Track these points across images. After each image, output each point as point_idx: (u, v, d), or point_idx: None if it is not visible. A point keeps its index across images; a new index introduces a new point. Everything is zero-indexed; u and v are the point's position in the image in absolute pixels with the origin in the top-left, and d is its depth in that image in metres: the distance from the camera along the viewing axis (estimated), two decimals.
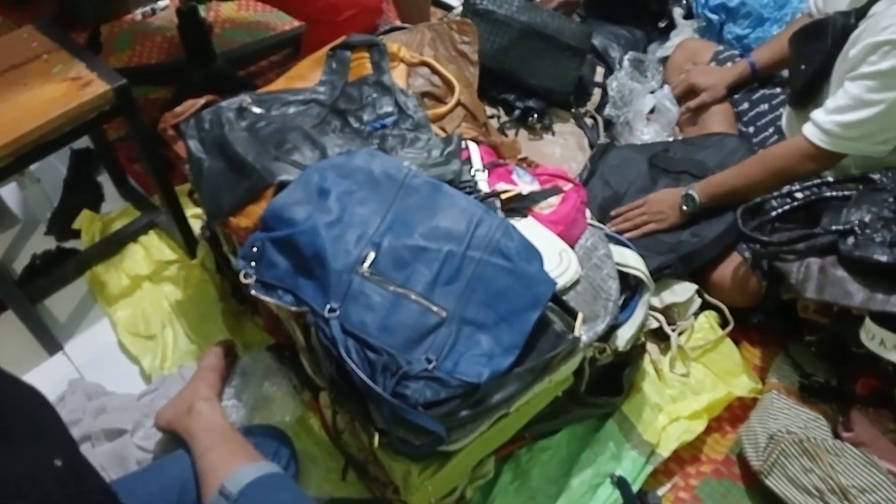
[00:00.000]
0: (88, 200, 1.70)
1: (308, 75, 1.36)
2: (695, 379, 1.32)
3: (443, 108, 1.31)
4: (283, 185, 1.12)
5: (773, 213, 1.27)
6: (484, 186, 1.18)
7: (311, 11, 1.41)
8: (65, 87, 1.22)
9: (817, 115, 1.18)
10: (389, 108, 1.27)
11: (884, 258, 1.06)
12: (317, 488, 1.20)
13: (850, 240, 1.12)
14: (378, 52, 1.35)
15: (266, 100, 1.30)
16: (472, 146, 1.25)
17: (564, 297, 1.08)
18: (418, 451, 1.01)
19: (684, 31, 1.91)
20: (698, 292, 1.36)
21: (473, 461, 1.11)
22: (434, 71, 1.36)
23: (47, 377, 1.37)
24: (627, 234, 1.36)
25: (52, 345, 1.44)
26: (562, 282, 1.09)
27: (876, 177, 1.20)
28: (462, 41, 1.43)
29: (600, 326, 1.09)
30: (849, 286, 1.10)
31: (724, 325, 1.38)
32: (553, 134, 1.66)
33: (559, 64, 1.63)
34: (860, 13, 1.20)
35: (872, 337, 1.08)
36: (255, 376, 1.30)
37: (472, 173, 1.20)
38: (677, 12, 1.97)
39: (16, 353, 1.43)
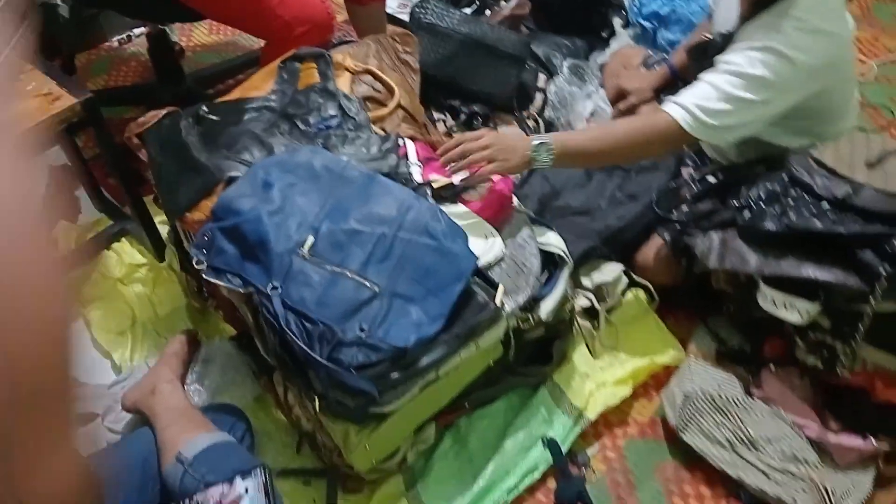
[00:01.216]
0: (65, 213, 1.82)
1: (261, 86, 1.49)
2: (623, 351, 1.43)
3: (383, 111, 1.43)
4: (232, 181, 1.25)
5: (688, 196, 1.40)
6: (418, 177, 1.30)
7: (267, 29, 1.54)
8: (38, 102, 1.34)
9: (685, 99, 1.23)
10: (333, 112, 1.40)
11: (772, 227, 1.18)
12: (272, 461, 1.30)
13: (746, 213, 1.24)
14: (324, 62, 1.48)
15: (222, 108, 1.42)
16: (409, 143, 1.37)
17: (489, 273, 1.20)
18: (354, 413, 1.12)
19: (622, 38, 2.05)
20: (625, 272, 1.47)
21: (410, 425, 1.22)
22: (376, 78, 1.49)
23: None
24: (465, 175, 1.28)
25: None
26: (486, 259, 1.21)
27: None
28: (404, 51, 1.56)
29: (522, 298, 1.20)
30: (746, 254, 1.22)
31: (651, 301, 1.49)
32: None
33: (499, 71, 1.76)
34: (728, 38, 1.27)
35: (766, 298, 1.19)
36: (215, 362, 1.41)
37: (409, 166, 1.32)
38: (617, 22, 2.11)
39: None
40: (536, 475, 1.27)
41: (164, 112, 1.47)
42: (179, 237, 1.50)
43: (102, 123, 1.41)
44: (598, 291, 1.47)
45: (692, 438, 1.27)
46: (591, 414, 1.31)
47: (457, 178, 1.33)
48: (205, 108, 1.41)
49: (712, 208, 1.32)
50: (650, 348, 1.43)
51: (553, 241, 1.29)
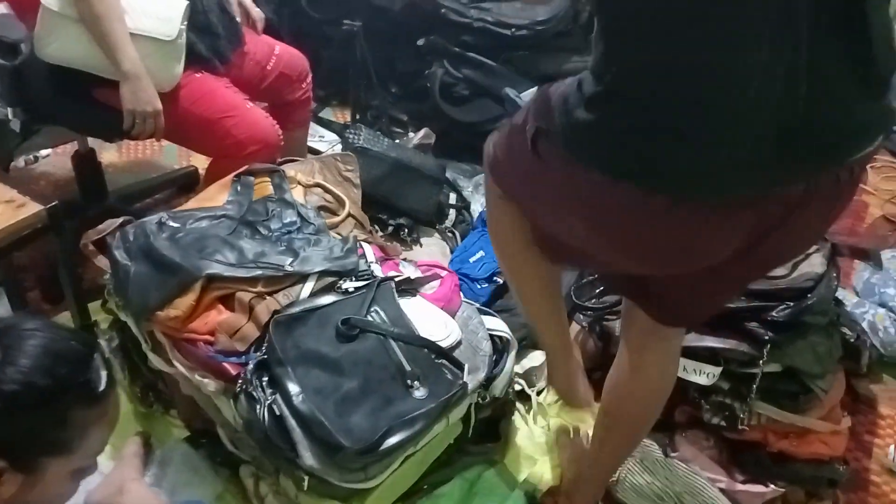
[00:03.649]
0: None
1: (216, 197, 1.60)
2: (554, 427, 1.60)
3: (337, 218, 1.59)
4: (210, 278, 1.33)
5: (600, 286, 1.65)
6: (379, 273, 1.45)
7: (219, 147, 1.67)
8: (1, 209, 1.37)
9: None
10: (293, 218, 1.53)
11: None
12: None
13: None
14: (279, 176, 1.62)
15: (181, 216, 1.51)
16: (366, 245, 1.52)
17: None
18: (341, 490, 1.19)
19: None
20: None
21: (388, 501, 1.29)
22: (326, 190, 1.65)
23: None
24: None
25: None
26: (448, 342, 1.36)
27: None
28: (346, 169, 1.74)
29: (481, 374, 1.35)
30: None
31: None
32: (421, 246, 1.99)
33: (422, 190, 1.99)
34: None
35: (680, 368, 1.43)
36: (172, 463, 1.40)
37: (368, 264, 1.47)
38: None
39: None
40: None
41: (119, 221, 1.54)
42: (125, 342, 1.53)
43: (65, 230, 1.45)
44: (528, 376, 1.66)
45: (627, 496, 1.44)
46: (542, 488, 1.45)
47: (411, 273, 1.50)
48: (165, 215, 1.50)
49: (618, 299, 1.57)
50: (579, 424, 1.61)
51: (499, 325, 1.48)
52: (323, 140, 2.58)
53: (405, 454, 1.24)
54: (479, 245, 1.91)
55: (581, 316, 1.68)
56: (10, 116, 1.59)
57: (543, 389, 1.66)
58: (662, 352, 1.23)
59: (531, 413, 1.60)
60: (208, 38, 1.68)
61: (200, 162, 2.41)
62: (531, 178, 1.06)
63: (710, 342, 1.40)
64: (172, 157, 2.47)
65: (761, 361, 1.38)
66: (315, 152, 2.57)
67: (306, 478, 1.17)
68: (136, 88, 1.50)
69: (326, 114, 2.79)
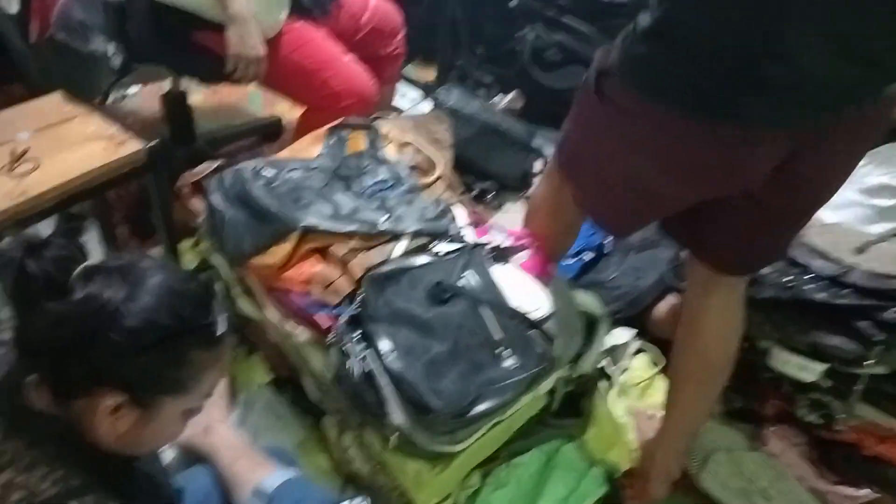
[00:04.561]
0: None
1: (309, 149, 1.59)
2: (635, 408, 1.56)
3: (429, 179, 1.56)
4: (306, 230, 1.33)
5: None
6: (471, 238, 1.42)
7: (315, 98, 1.66)
8: (102, 145, 1.39)
9: None
10: (387, 176, 1.51)
11: (781, 296, 1.38)
12: None
13: (754, 286, 1.44)
14: (373, 132, 1.60)
15: (276, 164, 1.51)
16: (457, 208, 1.50)
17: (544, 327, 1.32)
18: (428, 451, 1.18)
19: None
20: (636, 336, 1.63)
21: (469, 466, 1.28)
22: (418, 150, 1.62)
23: None
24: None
25: None
26: (538, 315, 1.33)
27: None
28: (438, 130, 1.71)
29: (571, 350, 1.32)
30: (755, 323, 1.41)
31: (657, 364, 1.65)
32: (503, 211, 1.96)
33: (509, 155, 1.95)
34: None
35: (782, 361, 1.37)
36: (256, 407, 1.43)
37: (460, 228, 1.44)
38: None
39: None
40: None
41: (215, 164, 1.55)
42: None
43: (163, 169, 1.46)
44: (612, 354, 1.62)
45: (711, 486, 1.40)
46: (621, 469, 1.43)
47: (501, 240, 1.46)
48: (261, 163, 1.49)
49: None
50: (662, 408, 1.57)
51: (590, 301, 1.44)
52: (405, 97, 2.55)
53: (492, 422, 1.22)
54: None
55: (677, 293, 1.63)
56: (110, 53, 1.60)
57: (627, 368, 1.62)
58: (724, 301, 1.27)
59: (614, 390, 1.57)
60: None
61: (285, 111, 2.41)
62: (594, 127, 1.18)
63: (817, 337, 1.33)
64: (257, 104, 2.46)
65: (867, 362, 1.31)
66: (397, 110, 2.55)
67: (394, 436, 1.17)
68: (243, 32, 1.49)
69: (409, 71, 2.75)
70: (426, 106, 2.45)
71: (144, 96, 2.44)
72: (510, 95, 2.18)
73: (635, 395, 1.59)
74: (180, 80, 1.95)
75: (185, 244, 1.65)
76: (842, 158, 1.05)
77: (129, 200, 1.90)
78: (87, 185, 1.32)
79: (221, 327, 0.80)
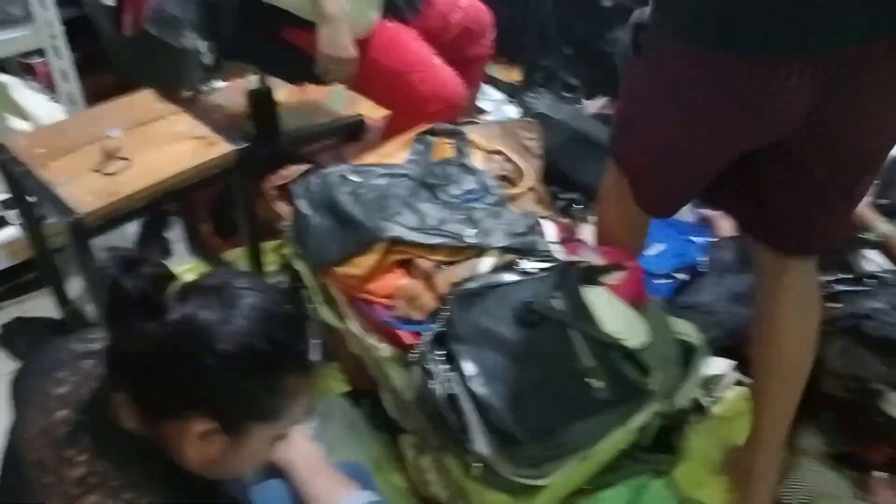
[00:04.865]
0: (157, 255, 1.81)
1: (395, 154, 1.55)
2: (729, 447, 1.46)
3: (517, 190, 1.50)
4: (392, 241, 1.29)
5: None
6: (560, 257, 1.35)
7: (402, 102, 1.61)
8: (192, 145, 1.38)
9: None
10: (474, 186, 1.45)
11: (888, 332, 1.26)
12: None
13: (870, 323, 1.32)
14: (460, 138, 1.55)
15: (362, 171, 1.47)
16: (546, 223, 1.43)
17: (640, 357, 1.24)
18: (512, 483, 1.12)
19: None
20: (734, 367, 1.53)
21: (553, 500, 1.22)
22: (507, 159, 1.56)
23: None
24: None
25: None
26: (633, 344, 1.25)
27: (888, 275, 1.42)
28: (527, 137, 1.64)
29: (667, 384, 1.24)
30: (870, 363, 1.29)
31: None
32: (589, 224, 1.87)
33: (600, 165, 1.85)
34: None
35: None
36: (333, 419, 1.40)
37: (549, 244, 1.37)
38: None
39: None
40: None
41: (303, 168, 1.52)
42: (296, 289, 1.52)
43: (250, 173, 1.44)
44: (706, 385, 1.52)
45: None
46: None
47: (593, 259, 1.38)
48: (348, 169, 1.46)
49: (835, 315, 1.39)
50: None
51: (687, 329, 1.35)
52: (488, 99, 2.48)
53: (579, 456, 1.15)
54: (658, 236, 1.76)
55: None
56: (202, 49, 1.59)
57: (722, 401, 1.52)
58: (796, 289, 1.25)
59: (706, 424, 1.47)
60: None
61: (367, 110, 2.38)
62: (633, 90, 1.21)
63: None
64: (339, 102, 2.44)
65: None
66: (480, 111, 2.49)
67: (477, 465, 1.11)
68: (335, 32, 1.45)
69: (492, 71, 2.68)
70: (510, 108, 2.38)
71: (229, 92, 2.45)
72: (601, 101, 2.08)
73: (730, 430, 1.49)
74: (266, 78, 1.95)
75: (268, 245, 1.63)
76: (880, 105, 1.00)
77: (213, 198, 1.90)
78: (177, 185, 1.31)
79: (314, 354, 0.76)
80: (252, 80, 2.02)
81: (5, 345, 1.59)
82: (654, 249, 1.78)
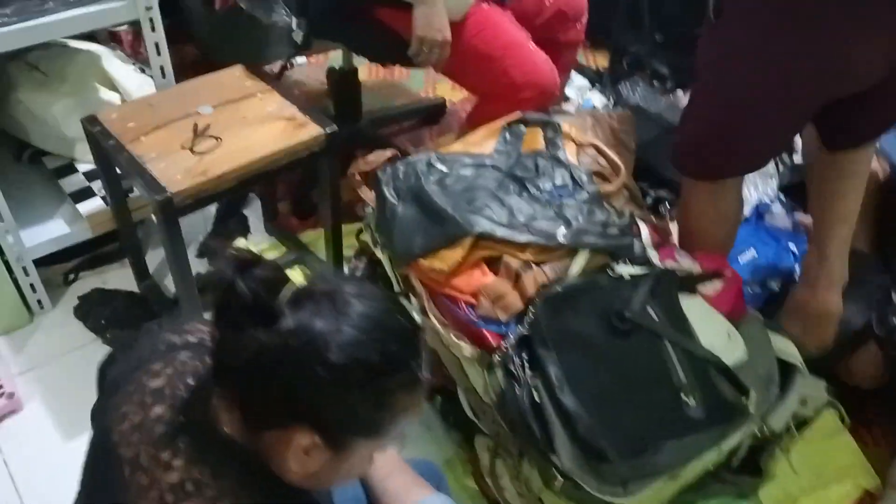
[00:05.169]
0: (236, 231, 1.81)
1: (483, 143, 1.49)
2: (822, 471, 1.38)
3: (611, 187, 1.42)
4: (481, 236, 1.24)
5: None
6: (656, 262, 1.28)
7: (492, 88, 1.55)
8: (282, 126, 1.35)
9: None
10: (566, 181, 1.39)
11: None
12: None
13: None
14: (552, 129, 1.48)
15: (448, 159, 1.42)
16: (642, 224, 1.36)
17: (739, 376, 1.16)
18: (591, 499, 1.08)
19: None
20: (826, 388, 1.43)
21: None
22: (600, 153, 1.49)
23: None
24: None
25: None
26: (731, 360, 1.18)
27: None
28: (622, 130, 1.56)
29: (765, 405, 1.17)
30: None
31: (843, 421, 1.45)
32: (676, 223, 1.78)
33: None
34: None
35: None
36: None
37: (645, 248, 1.30)
38: None
39: None
40: None
41: (388, 154, 1.48)
42: (377, 278, 1.49)
43: (338, 155, 1.41)
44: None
45: None
46: None
47: (688, 265, 1.31)
48: (434, 156, 1.41)
49: None
50: (850, 472, 1.38)
51: (786, 346, 1.26)
52: (571, 85, 2.39)
53: (669, 476, 1.09)
54: (750, 241, 1.66)
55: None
56: (294, 27, 1.56)
57: (811, 422, 1.43)
58: (858, 174, 1.39)
59: (794, 446, 1.39)
60: None
61: (447, 92, 2.34)
62: (714, 61, 1.27)
63: None
64: (419, 82, 2.41)
65: None
66: (564, 99, 2.40)
67: (559, 478, 1.07)
68: (430, 14, 1.40)
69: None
70: (595, 95, 2.28)
71: (309, 70, 2.44)
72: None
73: (819, 452, 1.41)
74: (352, 57, 1.91)
75: (346, 228, 1.61)
76: None
77: (292, 178, 1.89)
78: (267, 166, 1.29)
79: (425, 369, 0.72)
80: (334, 59, 2.00)
81: (82, 317, 1.61)
82: (743, 256, 1.69)
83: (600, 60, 2.53)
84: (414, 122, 2.21)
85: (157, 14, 1.37)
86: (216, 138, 1.30)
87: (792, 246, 1.73)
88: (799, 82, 1.18)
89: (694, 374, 1.14)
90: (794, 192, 1.89)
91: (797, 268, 1.67)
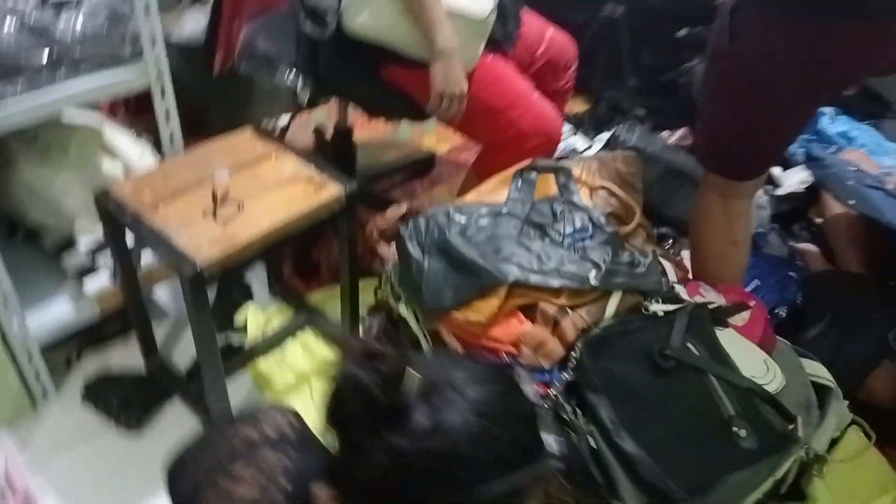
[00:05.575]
0: (241, 299, 1.77)
1: (495, 192, 1.51)
2: (854, 487, 1.40)
3: (628, 227, 1.46)
4: (514, 284, 1.24)
5: None
6: (685, 297, 1.31)
7: (498, 138, 1.57)
8: (302, 187, 1.34)
9: None
10: (586, 224, 1.41)
11: None
12: None
13: None
14: (564, 174, 1.50)
15: (465, 210, 1.43)
16: (664, 261, 1.38)
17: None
18: None
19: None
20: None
21: None
22: (612, 195, 1.52)
23: None
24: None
25: None
26: (772, 388, 1.20)
27: None
28: (628, 172, 1.60)
29: (810, 429, 1.18)
30: None
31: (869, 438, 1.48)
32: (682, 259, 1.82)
33: (692, 199, 1.81)
34: None
35: None
36: None
37: (672, 284, 1.33)
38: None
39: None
40: None
41: (403, 210, 1.49)
42: (399, 334, 1.47)
43: (356, 215, 1.41)
44: None
45: None
46: None
47: (714, 297, 1.34)
48: (451, 208, 1.42)
49: None
50: (885, 486, 1.41)
51: (820, 371, 1.29)
52: None
53: None
54: (752, 272, 1.71)
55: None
56: (300, 86, 1.57)
57: (837, 440, 1.46)
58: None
59: (825, 467, 1.41)
60: (500, 18, 1.57)
61: (433, 143, 2.37)
62: (729, 72, 1.34)
63: None
64: (406, 135, 2.43)
65: None
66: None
67: None
68: (448, 68, 1.42)
69: None
70: (578, 139, 2.34)
71: (295, 127, 2.44)
72: (680, 131, 2.05)
73: (851, 472, 1.43)
74: (347, 115, 1.92)
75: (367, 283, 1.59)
76: None
77: (296, 238, 1.86)
78: (292, 230, 1.27)
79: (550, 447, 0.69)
80: (317, 117, 2.00)
81: (91, 402, 1.54)
82: (748, 287, 1.73)
83: (578, 106, 2.60)
84: (404, 176, 2.22)
85: (167, 79, 1.36)
86: (238, 204, 1.28)
87: (792, 273, 1.78)
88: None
89: (741, 404, 1.15)
90: (782, 220, 1.97)
91: (800, 295, 1.72)
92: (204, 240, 1.21)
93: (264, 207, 1.28)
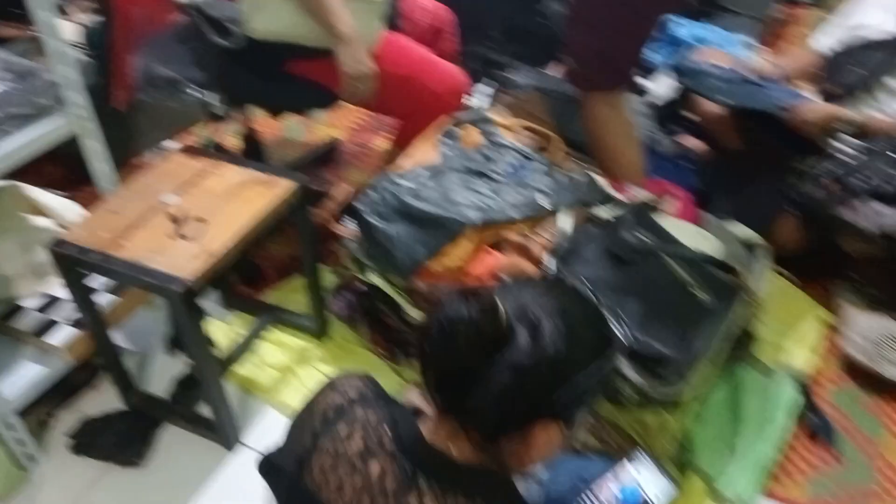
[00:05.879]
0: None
1: (427, 154, 1.61)
2: (785, 317, 1.66)
3: (553, 153, 1.60)
4: (479, 225, 1.35)
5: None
6: (621, 197, 1.48)
7: (415, 105, 1.64)
8: (256, 190, 1.38)
9: None
10: (518, 159, 1.55)
11: None
12: None
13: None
14: (484, 122, 1.63)
15: (408, 175, 1.52)
16: (591, 173, 1.55)
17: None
18: (665, 397, 1.24)
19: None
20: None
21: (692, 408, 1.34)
22: (530, 129, 1.66)
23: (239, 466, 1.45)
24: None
25: (228, 440, 1.48)
26: (713, 252, 1.39)
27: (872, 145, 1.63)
28: (534, 107, 1.76)
29: (747, 276, 1.39)
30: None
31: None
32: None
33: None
34: None
35: None
36: None
37: (606, 191, 1.49)
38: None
39: (195, 457, 1.47)
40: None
41: (353, 190, 1.56)
42: (375, 301, 1.55)
43: (308, 207, 1.46)
44: None
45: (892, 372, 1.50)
46: (804, 371, 1.55)
47: (643, 194, 1.52)
48: (393, 176, 1.50)
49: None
50: (808, 311, 1.70)
51: (742, 231, 1.51)
52: None
53: (706, 357, 1.28)
54: (656, 171, 1.90)
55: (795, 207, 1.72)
56: (212, 102, 1.59)
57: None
58: None
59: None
60: None
61: (327, 132, 2.42)
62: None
63: None
64: (299, 132, 2.45)
65: None
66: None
67: (630, 393, 1.21)
68: (353, 51, 1.50)
69: None
70: None
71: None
72: (551, 67, 2.24)
73: (777, 306, 1.67)
74: (251, 119, 1.95)
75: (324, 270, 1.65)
76: None
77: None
78: (260, 230, 1.32)
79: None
80: (228, 128, 2.01)
81: (84, 452, 1.51)
82: None
83: None
84: (314, 167, 2.26)
85: (94, 122, 1.34)
86: (200, 221, 1.31)
87: (687, 164, 2.01)
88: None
89: (693, 271, 1.34)
90: (664, 123, 2.20)
91: (699, 181, 1.95)
92: (181, 259, 1.23)
93: (227, 217, 1.31)
